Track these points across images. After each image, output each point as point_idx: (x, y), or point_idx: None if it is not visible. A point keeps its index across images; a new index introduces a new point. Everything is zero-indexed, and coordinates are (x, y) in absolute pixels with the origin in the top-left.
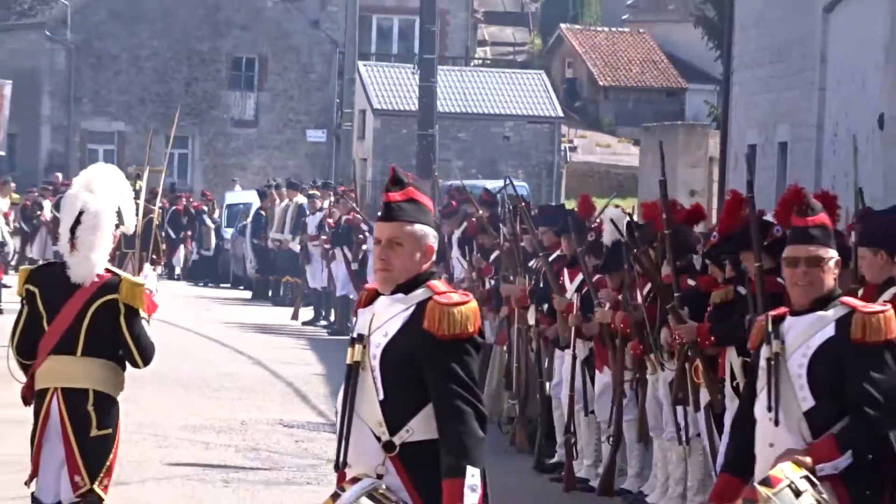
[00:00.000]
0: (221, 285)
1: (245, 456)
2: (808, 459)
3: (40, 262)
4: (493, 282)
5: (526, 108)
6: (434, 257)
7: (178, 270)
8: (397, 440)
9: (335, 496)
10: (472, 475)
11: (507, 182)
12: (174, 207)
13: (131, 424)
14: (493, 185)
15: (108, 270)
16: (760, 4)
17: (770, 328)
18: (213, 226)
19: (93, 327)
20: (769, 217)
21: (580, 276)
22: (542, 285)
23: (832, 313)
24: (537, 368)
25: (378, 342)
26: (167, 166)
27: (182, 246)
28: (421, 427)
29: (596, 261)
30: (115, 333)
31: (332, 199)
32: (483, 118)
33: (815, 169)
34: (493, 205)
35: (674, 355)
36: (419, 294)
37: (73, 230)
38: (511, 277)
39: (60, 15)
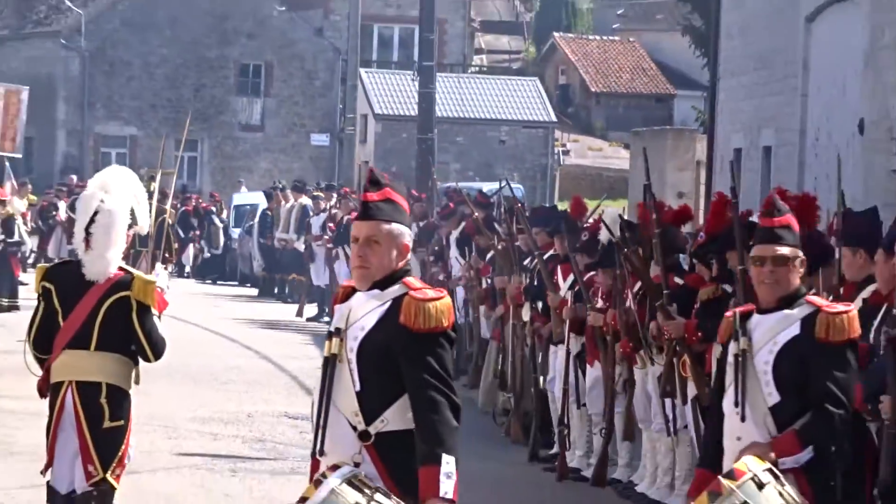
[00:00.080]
0: (229, 283)
1: (251, 447)
2: (772, 453)
3: (56, 261)
4: (489, 281)
5: (521, 114)
6: (409, 255)
7: (187, 268)
8: (372, 430)
9: (317, 483)
10: (448, 462)
11: (504, 184)
12: (184, 208)
13: (143, 416)
14: (490, 187)
15: (121, 269)
16: (745, 14)
17: (738, 325)
18: (221, 226)
19: (106, 323)
20: (755, 218)
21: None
22: (536, 283)
23: (798, 312)
24: (532, 364)
25: (355, 335)
26: (177, 169)
27: (191, 245)
28: (396, 417)
29: (589, 259)
30: (128, 329)
31: (335, 200)
32: (480, 123)
33: (799, 172)
34: (487, 206)
35: (662, 350)
36: (395, 290)
37: (87, 229)
38: (506, 277)
39: (75, 24)
